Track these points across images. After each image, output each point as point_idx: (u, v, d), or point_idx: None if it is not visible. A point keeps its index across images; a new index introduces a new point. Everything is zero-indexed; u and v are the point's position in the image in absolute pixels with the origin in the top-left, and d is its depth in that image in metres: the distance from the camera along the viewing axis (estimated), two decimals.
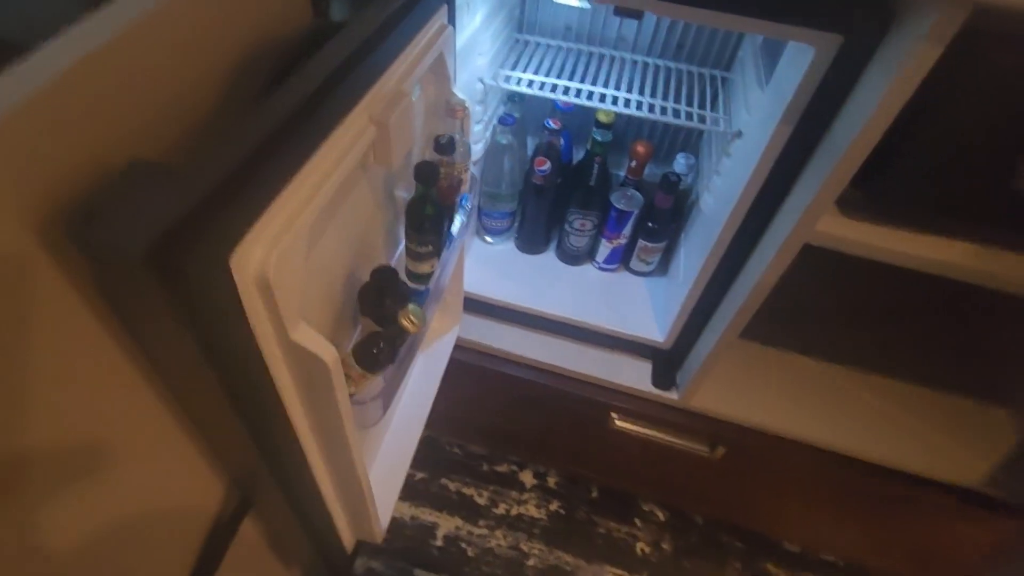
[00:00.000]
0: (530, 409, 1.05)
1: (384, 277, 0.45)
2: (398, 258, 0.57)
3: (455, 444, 1.31)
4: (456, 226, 0.58)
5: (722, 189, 0.76)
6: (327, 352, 0.34)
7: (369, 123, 0.40)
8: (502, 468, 1.28)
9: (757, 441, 0.90)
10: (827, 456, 0.89)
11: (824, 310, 1.05)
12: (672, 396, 0.91)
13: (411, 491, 1.23)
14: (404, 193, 0.57)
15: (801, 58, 0.56)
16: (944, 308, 1.08)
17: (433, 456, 1.29)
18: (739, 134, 0.73)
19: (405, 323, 0.42)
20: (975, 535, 0.91)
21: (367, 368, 0.42)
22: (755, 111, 0.70)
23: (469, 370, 0.99)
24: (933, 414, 0.91)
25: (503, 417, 1.11)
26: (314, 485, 0.46)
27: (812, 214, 0.59)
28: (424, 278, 0.54)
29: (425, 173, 0.48)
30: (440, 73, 0.55)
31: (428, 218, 0.49)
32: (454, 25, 0.59)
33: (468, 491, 1.24)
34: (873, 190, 0.59)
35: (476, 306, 0.97)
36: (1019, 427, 0.90)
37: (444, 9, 0.54)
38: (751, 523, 1.18)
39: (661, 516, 1.23)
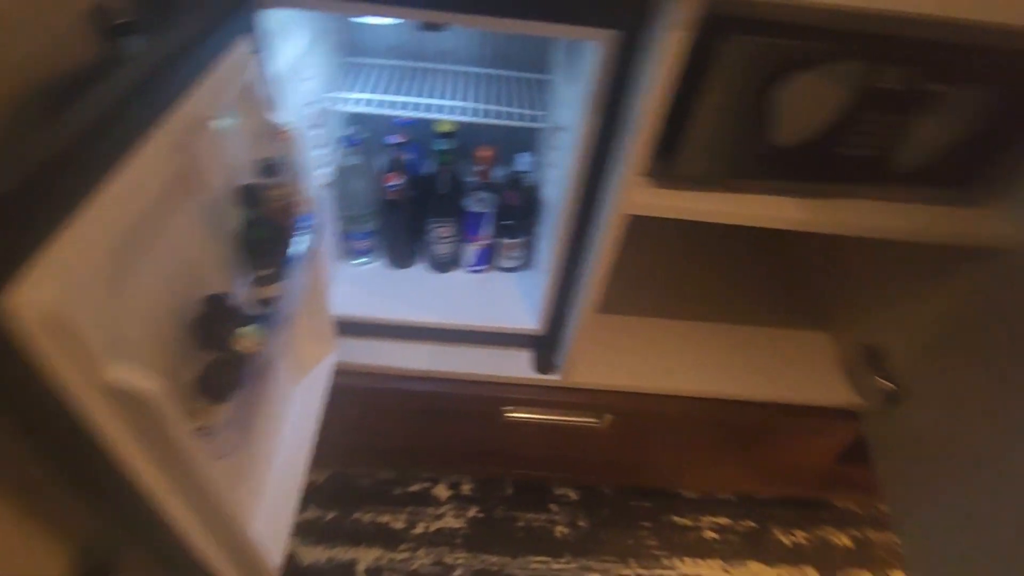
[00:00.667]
0: (427, 421, 1.05)
1: (213, 305, 0.44)
2: (242, 288, 0.56)
3: (363, 474, 1.27)
4: (300, 247, 0.58)
5: (556, 179, 0.83)
6: (150, 386, 0.33)
7: (172, 152, 0.39)
8: (415, 488, 1.27)
9: (636, 403, 0.98)
10: (697, 403, 0.99)
11: (669, 275, 1.18)
12: (555, 378, 0.96)
13: (324, 532, 1.18)
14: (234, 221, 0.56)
15: (593, 54, 0.64)
16: (758, 253, 1.25)
17: (343, 491, 1.24)
18: (561, 128, 0.80)
19: (242, 346, 0.42)
20: (828, 442, 1.06)
21: (211, 397, 0.41)
22: (570, 106, 0.77)
23: (360, 394, 0.98)
24: (774, 347, 1.05)
25: (404, 435, 1.11)
26: (177, 533, 0.44)
27: (626, 189, 0.67)
28: (270, 303, 0.53)
29: (248, 197, 0.48)
30: (255, 100, 0.55)
31: (261, 242, 0.49)
32: (265, 53, 0.60)
33: (383, 519, 1.22)
34: (673, 161, 0.68)
35: (355, 328, 0.97)
36: (841, 346, 1.06)
37: (248, 39, 0.55)
38: (652, 482, 1.27)
39: (574, 496, 1.29)
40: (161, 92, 0.41)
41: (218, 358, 0.42)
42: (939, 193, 0.70)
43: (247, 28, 0.56)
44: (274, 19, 0.62)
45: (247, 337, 0.42)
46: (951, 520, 0.73)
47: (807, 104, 0.60)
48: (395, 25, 0.91)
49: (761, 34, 0.57)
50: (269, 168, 0.52)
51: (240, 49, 0.53)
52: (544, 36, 0.62)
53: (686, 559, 1.21)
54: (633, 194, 0.67)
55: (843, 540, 1.27)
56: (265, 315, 0.48)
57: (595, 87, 0.64)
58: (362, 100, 0.82)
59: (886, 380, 0.89)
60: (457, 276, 1.05)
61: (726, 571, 1.20)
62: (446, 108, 0.84)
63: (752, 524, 1.28)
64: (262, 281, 0.52)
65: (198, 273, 0.47)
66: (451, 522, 1.22)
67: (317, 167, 0.87)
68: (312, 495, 1.24)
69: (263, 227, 0.49)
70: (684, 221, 0.69)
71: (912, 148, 0.64)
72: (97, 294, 0.31)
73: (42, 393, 0.30)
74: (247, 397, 0.43)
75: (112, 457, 0.35)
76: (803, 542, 1.26)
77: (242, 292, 0.52)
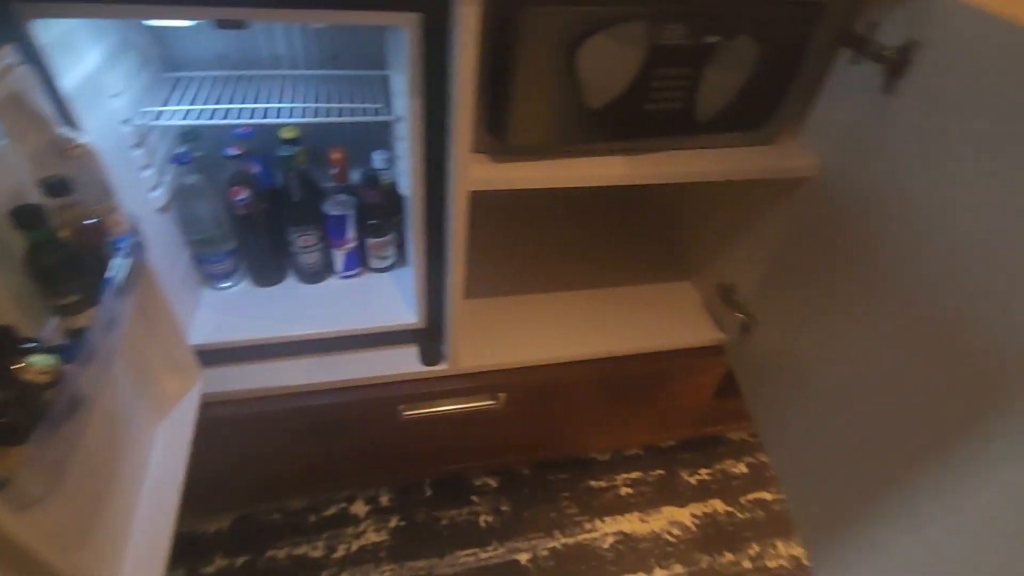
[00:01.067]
0: (326, 437, 1.02)
1: None
2: (54, 326, 0.51)
3: (272, 510, 1.21)
4: (117, 272, 0.54)
5: (406, 170, 0.84)
6: None
7: None
8: (330, 511, 1.22)
9: (525, 377, 1.01)
10: (582, 366, 1.03)
11: (535, 251, 1.22)
12: (443, 368, 0.97)
13: None
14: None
15: (404, 38, 0.65)
16: (614, 216, 1.34)
17: (251, 532, 1.17)
18: (400, 119, 0.81)
19: (29, 377, 0.39)
20: (706, 380, 1.15)
21: (1, 441, 0.37)
22: (402, 95, 0.78)
23: (249, 422, 0.93)
24: (644, 301, 1.12)
25: (307, 457, 1.06)
26: None
27: (462, 167, 0.68)
28: (81, 332, 0.49)
29: (28, 217, 0.44)
30: (31, 117, 0.51)
31: (54, 266, 0.45)
32: (45, 70, 0.55)
33: (300, 551, 1.16)
34: (502, 134, 0.71)
35: (229, 355, 0.92)
36: (701, 289, 1.15)
37: (8, 49, 0.50)
38: (564, 451, 1.31)
39: (494, 483, 1.30)
40: None
41: (5, 396, 0.38)
42: (740, 136, 0.78)
43: (11, 37, 0.51)
44: (52, 30, 0.57)
45: (35, 366, 0.39)
46: (804, 432, 0.82)
47: (606, 66, 0.65)
48: (210, 32, 0.87)
49: (552, 3, 0.61)
50: (56, 186, 0.48)
51: (3, 59, 0.48)
52: (350, 24, 0.62)
53: (606, 519, 1.26)
54: (470, 171, 0.69)
55: (740, 468, 1.38)
56: (71, 347, 0.44)
57: (412, 70, 0.66)
58: (185, 112, 0.78)
59: (739, 313, 0.98)
60: (331, 284, 1.03)
61: (643, 521, 1.26)
62: (283, 111, 0.81)
63: (661, 472, 1.36)
64: (68, 310, 0.48)
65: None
66: (372, 537, 1.19)
67: (147, 189, 0.81)
68: (217, 543, 1.15)
69: (54, 251, 0.45)
70: (539, 196, 0.72)
71: (707, 98, 0.71)
72: None
73: None
74: (55, 436, 0.40)
75: None
76: (707, 478, 1.35)
77: (43, 324, 0.48)
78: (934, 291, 0.61)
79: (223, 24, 0.60)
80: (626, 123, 0.71)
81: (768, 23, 0.68)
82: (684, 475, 1.35)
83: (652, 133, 0.74)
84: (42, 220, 0.45)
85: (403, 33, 0.64)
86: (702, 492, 1.33)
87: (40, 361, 0.39)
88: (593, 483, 1.32)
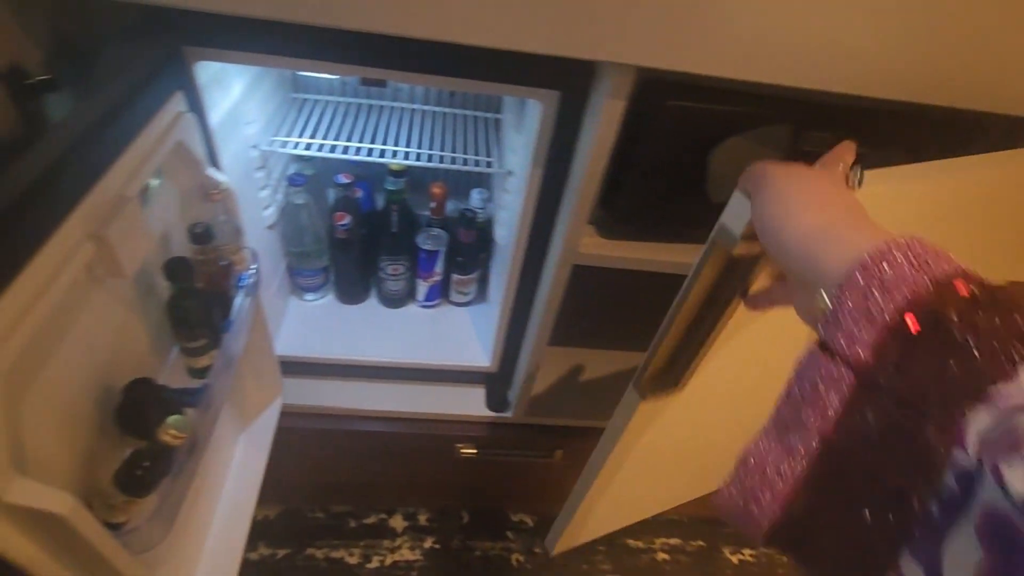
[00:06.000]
0: (380, 459, 1.04)
1: (138, 391, 0.42)
2: (175, 359, 0.54)
3: (316, 508, 1.25)
4: (237, 309, 0.56)
5: (507, 221, 0.84)
6: (58, 504, 0.32)
7: (84, 239, 0.38)
8: (370, 520, 1.25)
9: (586, 440, 0.99)
10: None
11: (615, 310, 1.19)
12: (507, 415, 0.97)
13: (276, 571, 1.15)
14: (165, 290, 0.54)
15: (536, 109, 0.64)
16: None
17: (294, 527, 1.21)
18: (510, 173, 0.80)
19: (166, 439, 0.41)
20: None
21: (133, 493, 0.39)
22: (517, 152, 0.78)
23: (310, 434, 0.96)
24: None
25: (356, 471, 1.09)
26: None
27: (572, 240, 0.68)
28: (204, 372, 0.52)
29: (177, 271, 0.46)
30: (186, 159, 0.53)
31: (191, 313, 0.48)
32: (201, 109, 0.58)
33: (338, 554, 1.19)
34: (617, 214, 0.69)
35: (304, 368, 0.95)
36: None
37: (179, 96, 0.53)
38: None
39: (530, 522, 1.29)
40: (80, 168, 0.39)
41: (141, 449, 0.40)
42: None
43: (180, 84, 0.54)
44: (210, 70, 0.60)
45: (174, 427, 0.41)
46: None
47: (741, 165, 0.62)
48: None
49: (697, 99, 0.59)
50: (201, 235, 0.50)
51: (171, 109, 0.51)
52: (479, 92, 0.62)
53: None
54: (579, 244, 0.68)
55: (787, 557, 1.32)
56: (195, 392, 0.47)
57: (538, 141, 0.65)
58: (309, 143, 0.80)
59: None
60: (409, 311, 1.05)
61: None
62: (399, 154, 0.83)
63: (702, 543, 1.31)
64: (195, 352, 0.50)
65: (128, 356, 0.45)
66: (407, 554, 1.21)
67: (262, 208, 0.85)
68: (263, 532, 1.20)
69: (193, 298, 0.48)
70: None
71: None
72: None
73: None
74: (175, 485, 0.42)
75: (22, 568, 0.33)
76: (750, 560, 1.30)
77: (171, 367, 0.50)
78: None
79: (366, 82, 0.62)
80: None
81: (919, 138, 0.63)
82: (726, 552, 1.31)
83: None
84: (189, 273, 0.47)
85: (536, 105, 0.63)
86: (743, 574, 1.28)
87: (177, 423, 0.41)
88: (630, 541, 1.29)
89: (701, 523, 1.34)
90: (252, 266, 0.60)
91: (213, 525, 0.67)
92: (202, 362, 0.51)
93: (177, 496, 0.43)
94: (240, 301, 0.57)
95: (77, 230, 0.37)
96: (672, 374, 0.51)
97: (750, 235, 0.37)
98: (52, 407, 0.38)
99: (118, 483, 0.39)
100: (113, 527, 0.38)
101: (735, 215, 0.39)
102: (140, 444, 0.42)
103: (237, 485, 0.73)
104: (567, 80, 0.59)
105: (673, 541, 1.30)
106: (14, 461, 0.31)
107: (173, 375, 0.54)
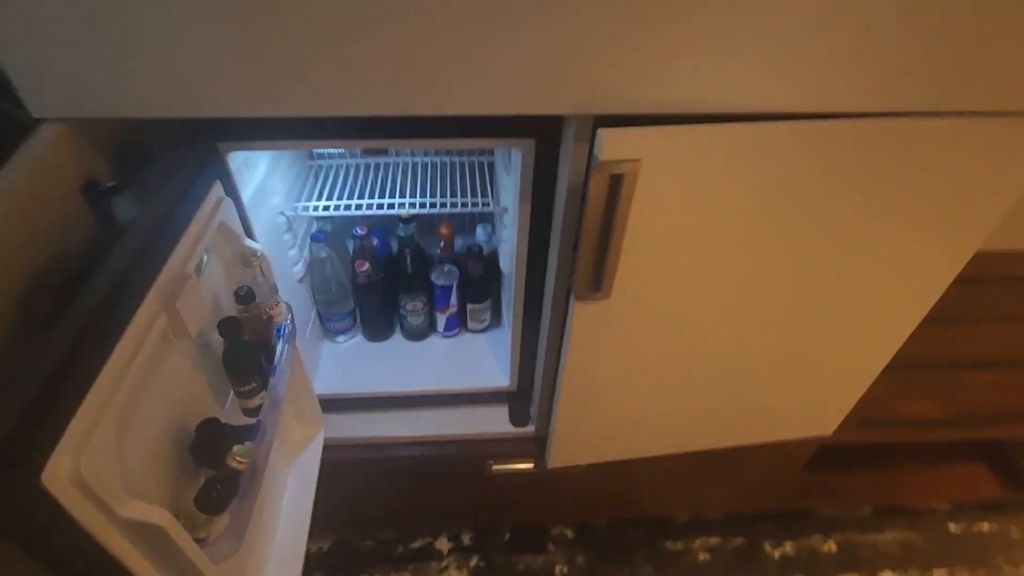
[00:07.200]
0: (418, 482, 1.12)
1: (207, 429, 0.52)
2: (231, 401, 0.64)
3: (365, 537, 1.33)
4: (279, 355, 0.66)
5: (508, 252, 0.92)
6: (159, 517, 0.41)
7: (160, 311, 0.48)
8: (417, 544, 1.32)
9: None
10: None
11: None
12: (529, 430, 1.04)
13: None
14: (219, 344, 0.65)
15: (518, 156, 0.73)
16: None
17: (346, 558, 1.29)
18: (506, 210, 0.89)
19: (233, 464, 0.50)
20: (799, 452, 1.13)
21: (211, 512, 0.48)
22: (509, 192, 0.87)
23: (351, 465, 1.04)
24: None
25: (399, 498, 1.17)
26: None
27: (563, 269, 0.76)
28: (256, 411, 0.61)
29: (229, 328, 0.56)
30: (227, 235, 0.64)
31: (243, 361, 0.57)
32: (235, 190, 0.69)
33: None
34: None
35: (342, 404, 1.04)
36: None
37: (218, 184, 0.64)
38: (642, 511, 1.33)
39: (570, 534, 1.34)
40: (149, 257, 0.50)
41: (214, 475, 0.50)
42: None
43: (218, 174, 0.65)
44: (238, 158, 0.72)
45: (239, 455, 0.50)
46: None
47: None
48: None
49: None
50: (245, 296, 0.60)
51: (213, 196, 0.62)
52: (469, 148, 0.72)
53: None
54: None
55: (829, 546, 1.33)
56: (252, 427, 0.56)
57: (522, 181, 0.74)
58: (325, 206, 0.92)
59: None
60: (432, 342, 1.14)
61: None
62: (404, 204, 0.94)
63: (742, 540, 1.33)
64: (248, 395, 0.60)
65: (195, 401, 0.55)
66: (454, 574, 1.27)
67: (292, 264, 0.96)
68: (318, 563, 1.29)
69: (244, 349, 0.58)
70: None
71: None
72: (108, 451, 0.39)
73: (75, 533, 0.38)
74: (242, 505, 0.51)
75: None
76: (791, 553, 1.32)
77: (229, 409, 0.60)
78: None
79: (368, 152, 0.72)
80: None
81: None
82: (767, 547, 1.33)
83: None
84: (239, 329, 0.57)
85: (518, 151, 0.72)
86: (785, 567, 1.29)
87: (240, 451, 0.50)
88: (670, 544, 1.33)
89: (739, 520, 1.36)
90: (287, 317, 0.70)
91: (273, 554, 0.76)
92: (254, 402, 0.60)
93: (245, 514, 0.52)
94: (281, 348, 0.67)
95: (154, 305, 0.47)
96: (596, 280, 0.67)
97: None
98: (144, 445, 0.47)
99: (198, 504, 0.48)
100: (197, 541, 0.47)
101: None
102: (211, 473, 0.51)
103: (291, 514, 0.82)
104: (539, 130, 0.68)
105: (713, 540, 1.33)
106: (125, 486, 0.41)
107: (231, 415, 0.64)
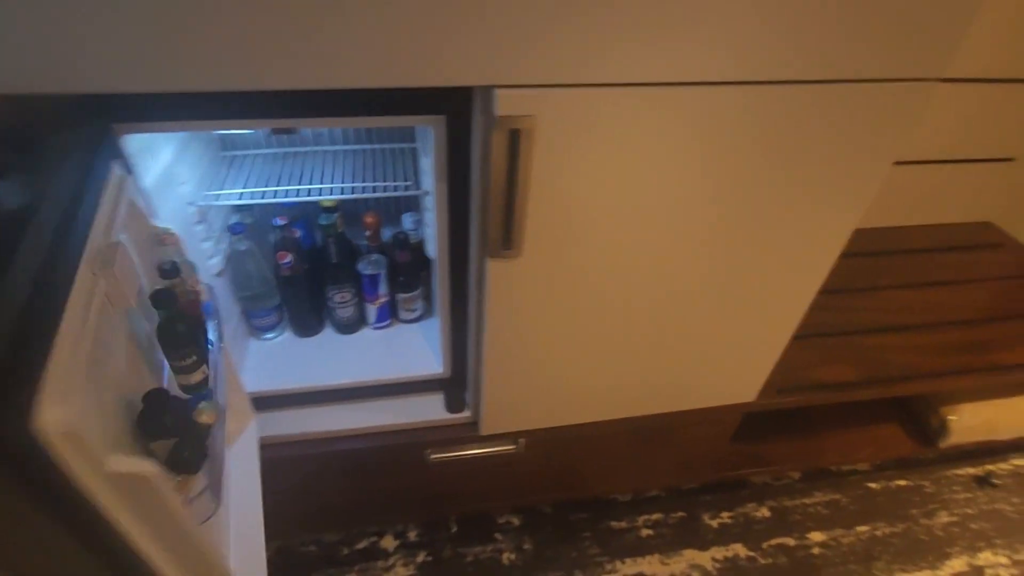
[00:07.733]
0: (358, 477, 1.10)
1: (156, 399, 0.49)
2: (168, 379, 0.61)
3: (308, 541, 1.29)
4: (212, 332, 0.64)
5: (432, 237, 0.92)
6: (145, 467, 0.40)
7: (96, 277, 0.46)
8: (362, 544, 1.30)
9: (551, 428, 1.06)
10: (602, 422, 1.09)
11: None
12: (466, 415, 1.04)
13: None
14: (148, 321, 0.62)
15: (432, 133, 0.74)
16: None
17: (288, 563, 1.25)
18: (427, 193, 0.90)
19: (204, 419, 0.49)
20: (723, 428, 1.18)
21: (186, 472, 0.46)
22: (428, 174, 0.87)
23: (289, 463, 1.01)
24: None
25: (340, 495, 1.14)
26: None
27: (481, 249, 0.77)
28: (200, 386, 0.59)
29: (164, 299, 0.54)
30: (138, 213, 0.61)
31: (181, 334, 0.56)
32: (134, 176, 0.66)
33: None
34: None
35: (272, 401, 1.01)
36: None
37: (117, 163, 0.61)
38: (586, 492, 1.36)
39: (516, 522, 1.35)
40: (72, 235, 0.48)
41: (182, 439, 0.48)
42: None
43: (115, 154, 0.62)
44: (136, 141, 0.69)
45: (206, 411, 0.49)
46: None
47: None
48: None
49: None
50: (170, 271, 0.58)
51: (116, 172, 0.60)
52: (377, 127, 0.71)
53: (627, 560, 1.29)
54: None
55: (763, 512, 1.39)
56: (204, 393, 0.55)
57: (437, 159, 0.74)
58: (240, 193, 0.89)
59: None
60: (364, 334, 1.12)
61: (664, 563, 1.29)
62: (324, 191, 0.92)
63: (682, 514, 1.38)
64: (187, 369, 0.58)
65: (143, 377, 0.53)
66: (400, 572, 1.25)
67: (207, 258, 0.92)
68: None
69: (180, 320, 0.56)
70: None
71: None
72: (87, 404, 0.38)
73: (63, 483, 0.37)
74: (214, 463, 0.49)
75: (116, 528, 0.41)
76: (728, 522, 1.37)
77: (168, 386, 0.59)
78: None
79: (277, 131, 0.70)
80: None
81: None
82: (706, 518, 1.37)
83: None
84: (174, 300, 0.55)
85: (430, 130, 0.73)
86: (724, 536, 1.34)
87: (206, 406, 0.49)
88: (614, 523, 1.35)
89: (679, 495, 1.41)
90: (211, 296, 0.68)
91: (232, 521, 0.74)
92: (195, 377, 0.58)
93: (217, 472, 0.50)
94: (212, 324, 0.65)
95: (88, 272, 0.46)
96: (506, 238, 0.71)
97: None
98: (112, 411, 0.46)
99: (172, 467, 0.47)
100: None
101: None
102: (166, 445, 0.50)
103: (242, 493, 0.79)
104: (448, 105, 0.69)
105: (655, 516, 1.37)
106: (106, 442, 0.39)
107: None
